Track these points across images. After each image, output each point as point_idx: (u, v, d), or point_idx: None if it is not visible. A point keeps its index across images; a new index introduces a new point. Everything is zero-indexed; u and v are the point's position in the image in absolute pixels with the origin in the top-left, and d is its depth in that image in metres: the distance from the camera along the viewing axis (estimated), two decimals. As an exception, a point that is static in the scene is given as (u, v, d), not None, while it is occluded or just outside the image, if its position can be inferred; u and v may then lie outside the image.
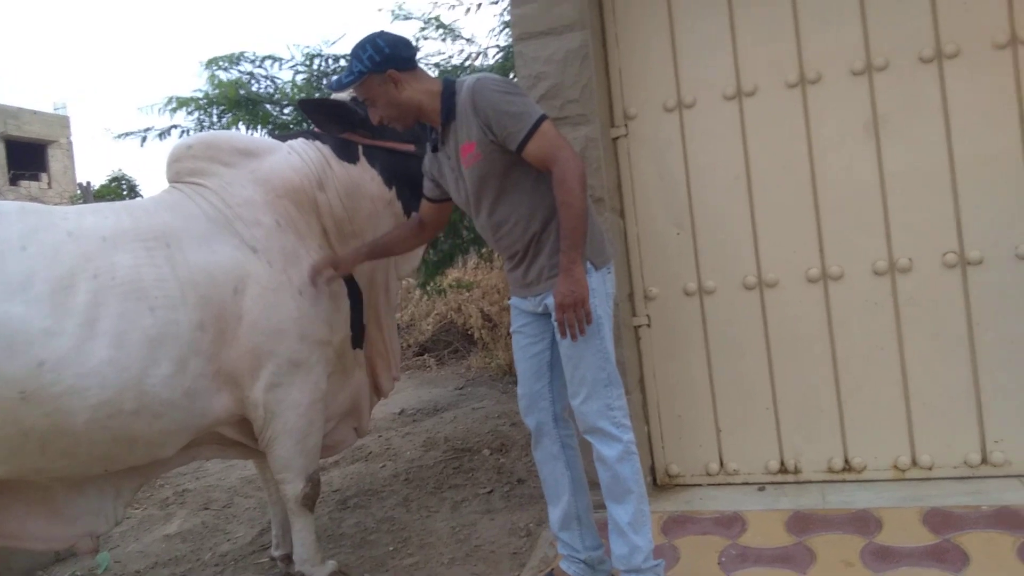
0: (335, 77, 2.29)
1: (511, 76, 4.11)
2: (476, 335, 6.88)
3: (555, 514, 2.41)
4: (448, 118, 2.25)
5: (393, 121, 2.32)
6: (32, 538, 2.38)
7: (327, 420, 2.81)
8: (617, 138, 3.06)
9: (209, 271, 2.44)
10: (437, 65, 4.56)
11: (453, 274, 6.66)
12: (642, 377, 3.03)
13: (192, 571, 3.11)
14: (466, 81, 2.23)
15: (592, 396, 2.19)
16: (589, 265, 2.18)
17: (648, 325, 3.03)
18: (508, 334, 6.87)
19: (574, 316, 2.10)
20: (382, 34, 2.26)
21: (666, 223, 3.01)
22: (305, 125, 4.06)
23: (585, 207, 2.12)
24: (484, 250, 5.07)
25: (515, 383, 5.59)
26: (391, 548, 3.05)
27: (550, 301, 2.21)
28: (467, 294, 7.10)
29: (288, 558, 2.86)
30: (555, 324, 2.21)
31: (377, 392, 3.16)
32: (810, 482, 2.88)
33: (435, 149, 2.38)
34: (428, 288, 5.58)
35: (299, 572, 2.71)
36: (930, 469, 2.74)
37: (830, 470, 2.85)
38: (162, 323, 2.31)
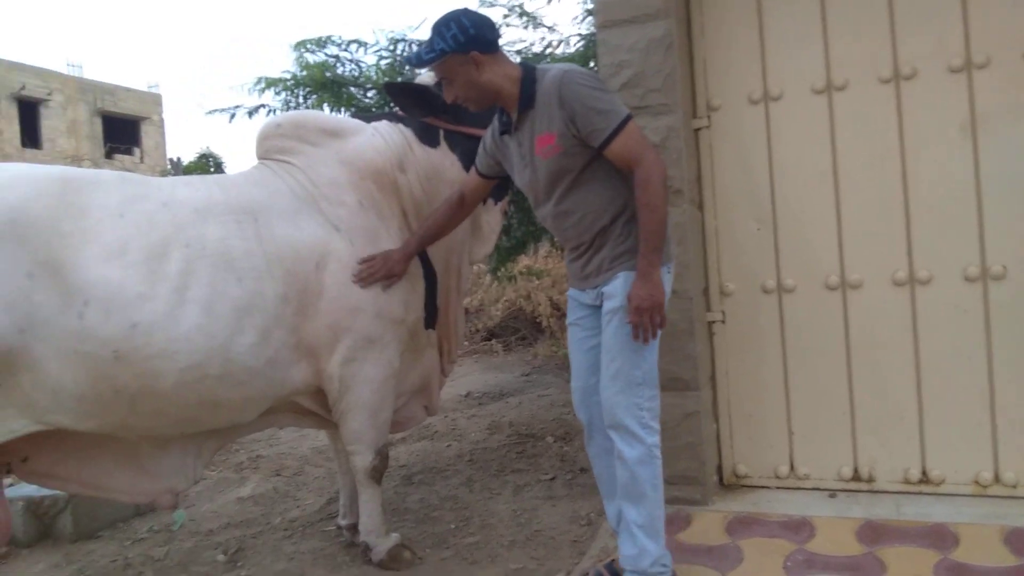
0: (415, 51, 2.31)
1: (591, 64, 4.09)
2: (544, 323, 6.90)
3: (610, 510, 2.42)
4: (526, 105, 2.23)
5: (468, 102, 2.31)
6: (118, 490, 2.52)
7: (398, 396, 2.88)
8: (699, 129, 3.01)
9: (294, 246, 2.52)
10: (519, 52, 4.57)
11: (524, 261, 6.68)
12: (714, 374, 2.99)
13: (262, 534, 3.23)
14: (549, 71, 2.22)
15: (624, 391, 2.18)
16: None
17: (723, 321, 2.98)
18: (575, 324, 6.88)
19: (648, 320, 2.10)
20: (467, 12, 2.24)
21: (746, 218, 2.95)
22: (388, 108, 4.13)
23: (667, 211, 2.14)
24: (556, 239, 5.06)
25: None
26: (453, 526, 3.11)
27: (607, 289, 2.21)
28: (537, 282, 7.12)
29: (354, 527, 2.94)
30: (605, 317, 2.22)
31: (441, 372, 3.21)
32: (884, 492, 2.79)
33: (504, 132, 2.37)
34: (499, 274, 5.61)
35: (364, 542, 2.79)
36: (1014, 487, 2.62)
37: (906, 481, 2.76)
38: (249, 294, 2.40)
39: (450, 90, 2.31)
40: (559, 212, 2.27)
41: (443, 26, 2.21)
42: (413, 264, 2.78)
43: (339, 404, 2.67)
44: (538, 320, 7.06)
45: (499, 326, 7.48)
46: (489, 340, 7.32)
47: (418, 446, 4.25)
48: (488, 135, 2.50)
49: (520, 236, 4.72)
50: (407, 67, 2.37)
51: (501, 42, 2.39)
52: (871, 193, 2.78)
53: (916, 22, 2.70)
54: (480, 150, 2.56)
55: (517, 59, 4.30)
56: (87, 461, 2.45)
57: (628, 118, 2.14)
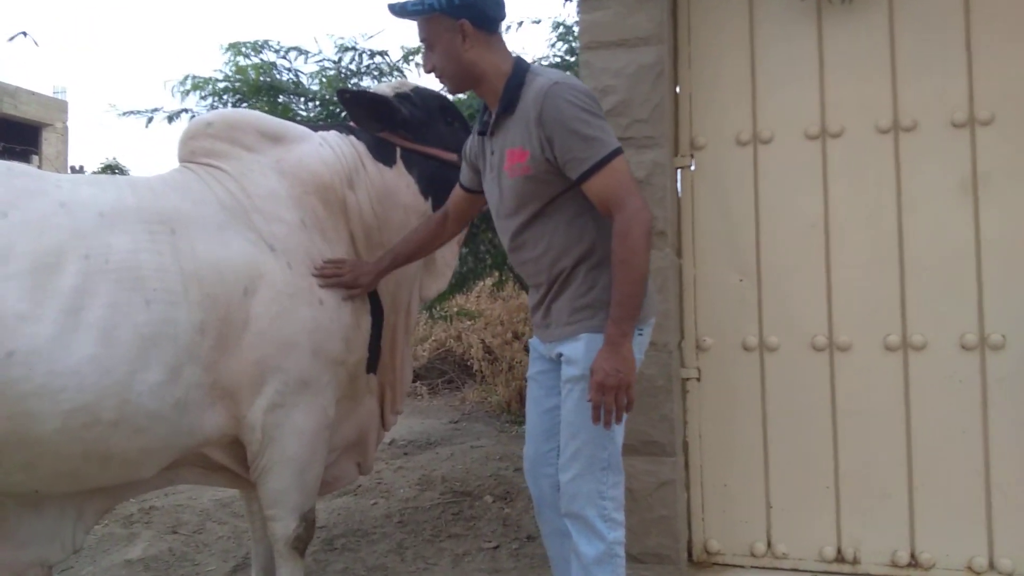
0: (399, 2, 1.94)
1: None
2: (475, 367, 6.53)
3: None
4: (506, 109, 1.92)
5: (445, 78, 2.00)
6: (-30, 563, 1.99)
7: (330, 451, 2.45)
8: (680, 168, 2.76)
9: (218, 266, 2.10)
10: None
11: (457, 300, 6.32)
12: (686, 437, 2.70)
13: (152, 608, 2.71)
14: (539, 77, 1.89)
15: (584, 475, 1.87)
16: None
17: (698, 379, 2.70)
18: (508, 368, 6.55)
19: (612, 401, 1.76)
20: None
21: (728, 267, 2.70)
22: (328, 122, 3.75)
23: (647, 270, 1.81)
24: (503, 275, 4.73)
25: (513, 422, 5.24)
26: (383, 603, 2.68)
27: (567, 352, 1.90)
28: (469, 323, 6.76)
29: (267, 607, 2.47)
30: (565, 386, 1.90)
31: (382, 424, 2.81)
32: (869, 575, 2.54)
33: (482, 133, 2.05)
34: (434, 312, 5.24)
35: (279, 626, 2.33)
36: (1011, 575, 2.42)
37: (894, 564, 2.52)
38: (158, 320, 1.96)
39: (428, 57, 1.99)
40: (518, 243, 1.98)
41: None
42: (359, 297, 2.39)
43: (260, 459, 2.23)
44: (468, 363, 6.69)
45: (425, 367, 7.06)
46: (414, 382, 6.87)
47: (339, 503, 3.78)
48: (468, 142, 2.18)
49: (465, 273, 4.37)
50: (392, 14, 1.96)
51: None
52: (864, 249, 2.58)
53: (918, 72, 2.55)
54: (463, 162, 2.23)
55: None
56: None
57: (617, 152, 1.82)
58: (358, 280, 2.29)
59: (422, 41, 2.00)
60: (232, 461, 2.29)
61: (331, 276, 2.26)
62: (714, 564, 2.66)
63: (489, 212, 2.13)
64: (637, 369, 1.87)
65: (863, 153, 2.59)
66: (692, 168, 2.76)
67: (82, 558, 3.18)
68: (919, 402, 2.51)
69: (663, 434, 2.51)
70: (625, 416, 1.83)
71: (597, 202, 1.83)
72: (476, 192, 2.21)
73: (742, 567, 2.64)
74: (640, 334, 1.91)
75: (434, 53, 1.96)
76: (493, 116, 1.97)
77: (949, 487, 2.48)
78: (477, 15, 1.89)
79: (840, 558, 2.56)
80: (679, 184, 2.76)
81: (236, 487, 2.52)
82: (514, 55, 2.00)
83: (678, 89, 2.77)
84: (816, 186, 2.63)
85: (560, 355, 1.93)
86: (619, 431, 1.89)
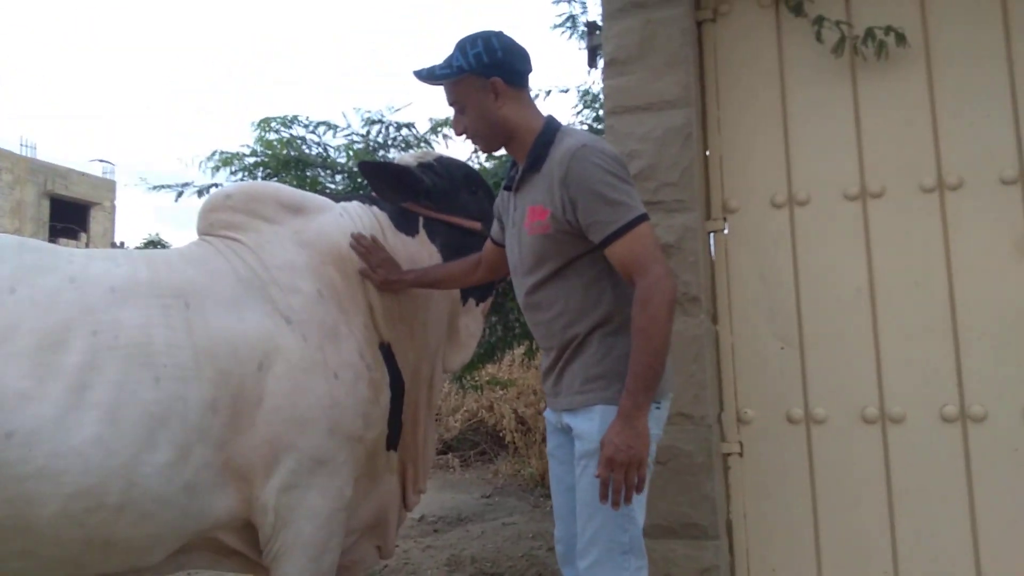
0: (426, 67, 1.92)
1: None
2: (508, 438, 6.35)
3: None
4: (532, 166, 1.88)
5: (478, 139, 1.97)
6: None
7: (347, 534, 2.32)
8: (713, 232, 2.66)
9: (232, 340, 2.02)
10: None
11: (488, 370, 6.20)
12: (729, 518, 2.51)
13: None
14: (567, 137, 1.85)
15: (603, 563, 1.74)
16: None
17: (740, 454, 2.53)
18: (542, 440, 6.37)
19: (623, 479, 1.65)
20: (502, 35, 1.90)
21: (768, 335, 2.56)
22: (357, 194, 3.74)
23: (668, 341, 1.71)
24: (532, 344, 4.62)
25: (547, 496, 5.02)
26: None
27: (578, 427, 1.79)
28: (501, 392, 6.62)
29: None
30: (578, 463, 1.79)
31: (403, 505, 2.67)
32: (937, 673, 2.30)
33: (509, 188, 2.02)
34: (464, 382, 5.12)
35: None
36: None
37: (965, 660, 2.28)
38: (168, 398, 1.89)
39: (459, 120, 1.95)
40: (532, 302, 1.92)
41: (468, 43, 1.87)
42: (378, 368, 2.30)
43: (274, 543, 2.11)
44: (501, 434, 6.51)
45: (456, 439, 6.89)
46: (445, 454, 6.71)
47: (364, 585, 3.61)
48: (499, 198, 2.15)
49: (494, 342, 4.27)
50: (420, 80, 1.94)
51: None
52: (914, 314, 2.42)
53: (963, 129, 2.44)
54: (495, 217, 2.19)
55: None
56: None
57: (642, 218, 1.76)
58: (377, 270, 2.26)
59: (451, 104, 1.96)
60: (244, 545, 2.17)
61: (363, 250, 2.25)
62: (764, 659, 2.44)
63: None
64: (653, 447, 1.76)
65: (907, 213, 2.46)
66: (726, 232, 2.66)
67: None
68: (982, 477, 2.31)
69: (704, 515, 2.33)
70: (644, 494, 1.72)
71: (619, 267, 1.77)
72: (503, 246, 2.15)
73: (796, 663, 2.41)
74: (657, 407, 1.80)
75: (465, 115, 1.93)
76: (519, 172, 1.94)
77: (1020, 568, 2.25)
78: (507, 71, 1.87)
79: (904, 654, 2.33)
80: (712, 248, 2.66)
81: (249, 573, 2.39)
82: (547, 115, 1.97)
83: (708, 153, 2.69)
84: (859, 248, 2.50)
85: (569, 427, 1.83)
86: (639, 511, 1.76)
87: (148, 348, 1.90)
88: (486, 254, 2.26)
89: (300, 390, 2.08)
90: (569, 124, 4.09)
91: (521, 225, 1.92)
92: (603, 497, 1.67)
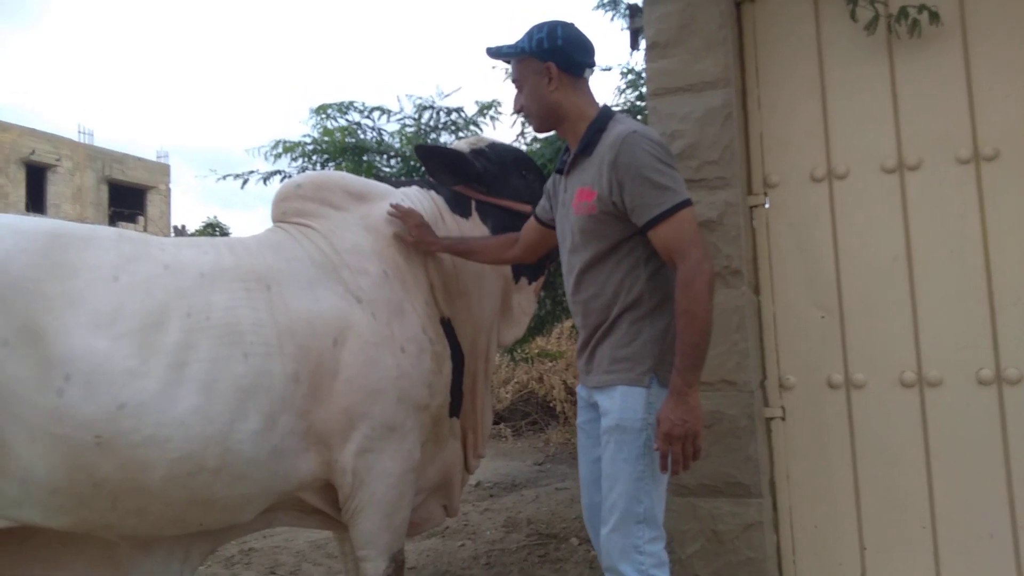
0: (499, 45, 2.11)
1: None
2: (558, 408, 6.54)
3: None
4: (584, 151, 2.00)
5: (531, 117, 2.11)
6: (90, 601, 2.14)
7: (416, 494, 2.53)
8: (754, 206, 2.76)
9: (309, 319, 2.23)
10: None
11: (538, 342, 6.38)
12: (773, 478, 2.65)
13: (252, 647, 2.82)
14: (619, 125, 1.96)
15: (620, 528, 1.86)
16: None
17: (783, 418, 2.67)
18: (591, 410, 6.53)
19: (680, 451, 1.78)
20: (569, 26, 2.04)
21: (808, 304, 2.67)
22: (411, 178, 3.92)
23: (710, 320, 1.83)
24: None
25: (600, 464, 5.19)
26: (471, 646, 2.71)
27: (603, 403, 1.91)
28: (551, 364, 6.80)
29: (361, 647, 2.55)
30: (602, 437, 1.91)
31: (465, 468, 2.87)
32: (973, 621, 2.42)
33: (559, 171, 2.15)
34: (515, 355, 5.31)
35: (371, 665, 2.39)
36: None
37: (1000, 610, 2.40)
38: (255, 372, 2.10)
39: (517, 98, 2.12)
40: (577, 282, 2.04)
41: (536, 28, 2.04)
42: (440, 343, 2.49)
43: (351, 501, 2.32)
44: (551, 404, 6.71)
45: (508, 409, 7.11)
46: (498, 424, 6.93)
47: (427, 544, 3.86)
48: (551, 180, 2.27)
49: (542, 315, 4.44)
50: (489, 55, 2.14)
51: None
52: (950, 281, 2.51)
53: (998, 101, 2.49)
54: (543, 194, 2.32)
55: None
56: (57, 565, 2.09)
57: (686, 202, 1.87)
58: (413, 231, 2.42)
59: (513, 82, 2.12)
60: (325, 504, 2.40)
61: (402, 214, 2.42)
62: (807, 609, 2.59)
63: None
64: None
65: (943, 185, 2.54)
66: (766, 206, 2.76)
67: (188, 599, 3.33)
68: (1017, 437, 2.41)
69: (747, 475, 2.48)
70: (666, 477, 1.84)
71: (661, 250, 1.87)
72: (546, 226, 2.29)
73: (837, 612, 2.55)
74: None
75: (522, 93, 2.08)
76: (571, 155, 2.06)
77: (1057, 528, 2.35)
78: (563, 59, 2.00)
79: (941, 603, 2.46)
80: (754, 222, 2.76)
81: (330, 529, 2.62)
82: (603, 104, 2.10)
83: (748, 130, 2.79)
84: (896, 219, 2.58)
85: (597, 403, 1.95)
86: (658, 486, 1.88)
87: (236, 327, 2.11)
88: (525, 233, 2.39)
89: (371, 363, 2.28)
90: (611, 106, 4.20)
91: (569, 205, 2.03)
92: (663, 468, 1.79)
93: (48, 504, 1.90)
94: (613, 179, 1.89)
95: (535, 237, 2.36)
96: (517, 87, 2.10)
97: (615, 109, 3.63)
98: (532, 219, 2.36)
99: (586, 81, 2.08)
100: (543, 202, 2.30)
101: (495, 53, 2.12)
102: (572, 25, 2.05)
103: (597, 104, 2.08)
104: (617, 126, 1.95)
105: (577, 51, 2.03)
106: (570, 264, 2.06)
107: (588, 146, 1.98)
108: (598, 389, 1.96)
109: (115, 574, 2.16)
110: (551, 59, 2.00)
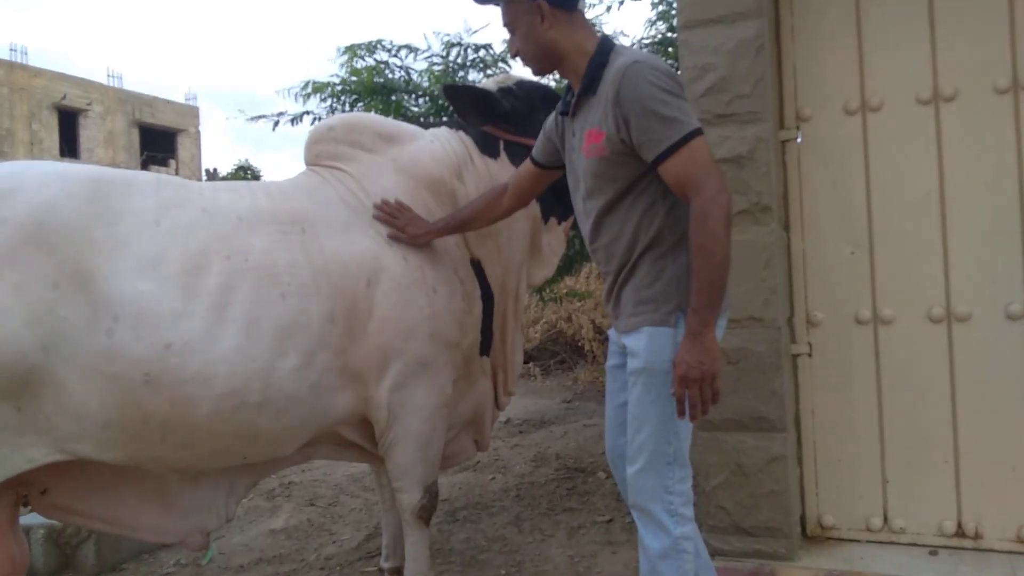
0: None
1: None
2: (586, 347, 6.61)
3: None
4: (588, 90, 1.88)
5: (528, 60, 1.98)
6: (144, 529, 2.27)
7: (449, 428, 2.62)
8: (786, 141, 2.74)
9: (343, 261, 2.28)
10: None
11: (566, 282, 6.41)
12: (798, 413, 2.69)
13: (296, 572, 2.99)
14: (620, 56, 1.84)
15: (649, 469, 1.83)
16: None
17: (809, 355, 2.69)
18: (619, 348, 6.58)
19: (698, 394, 1.71)
20: None
21: (838, 240, 2.66)
22: (440, 116, 3.91)
23: (728, 256, 1.72)
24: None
25: (629, 401, 5.25)
26: (503, 572, 2.83)
27: (630, 344, 1.86)
28: (579, 304, 6.84)
29: (398, 572, 2.68)
30: (629, 378, 1.86)
31: (496, 405, 2.95)
32: (993, 551, 2.47)
33: (565, 112, 2.02)
34: (544, 294, 5.35)
35: (409, 588, 2.52)
36: None
37: (1020, 540, 2.44)
38: (293, 312, 2.16)
39: (512, 42, 2.00)
40: (595, 228, 1.95)
41: None
42: (471, 283, 2.53)
43: (387, 435, 2.41)
44: (579, 343, 6.78)
45: (537, 348, 7.20)
46: (527, 363, 7.03)
47: (460, 478, 3.99)
48: (550, 118, 2.16)
49: (570, 255, 4.45)
50: (477, 1, 2.02)
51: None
52: (983, 216, 2.49)
53: (1039, 26, 2.41)
54: (540, 135, 2.20)
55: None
56: (111, 496, 2.21)
57: (696, 132, 1.75)
58: (406, 229, 2.34)
59: (505, 26, 2.00)
60: (362, 438, 2.49)
61: (387, 216, 2.35)
62: (828, 539, 2.66)
63: None
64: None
65: (979, 116, 2.49)
66: (798, 140, 2.73)
67: (232, 528, 3.51)
68: (1048, 373, 2.41)
69: (773, 410, 2.52)
70: (689, 417, 1.75)
71: (673, 185, 1.77)
72: (545, 168, 2.20)
73: (858, 541, 2.62)
74: (720, 326, 1.84)
75: (516, 36, 1.96)
76: (575, 96, 1.94)
77: (1083, 461, 2.37)
78: None
79: (961, 533, 2.51)
80: (786, 157, 2.74)
81: (366, 462, 2.73)
82: (599, 34, 1.98)
83: (781, 62, 2.74)
84: (930, 153, 2.55)
85: (624, 346, 1.92)
86: (685, 426, 1.84)
87: (273, 269, 2.17)
88: (519, 178, 2.30)
89: (404, 303, 2.33)
90: (641, 39, 4.13)
91: (579, 149, 1.93)
92: (680, 413, 1.73)
93: (101, 438, 2.00)
94: (618, 115, 1.79)
95: (529, 182, 2.27)
96: (510, 30, 1.98)
97: (645, 44, 3.53)
98: (527, 163, 2.26)
99: (581, 14, 1.96)
100: (541, 142, 2.20)
101: None
102: None
103: (596, 36, 1.94)
104: (618, 58, 1.84)
105: None
106: (587, 210, 1.98)
107: (591, 83, 1.87)
108: (625, 333, 1.90)
109: (164, 505, 2.27)
110: None
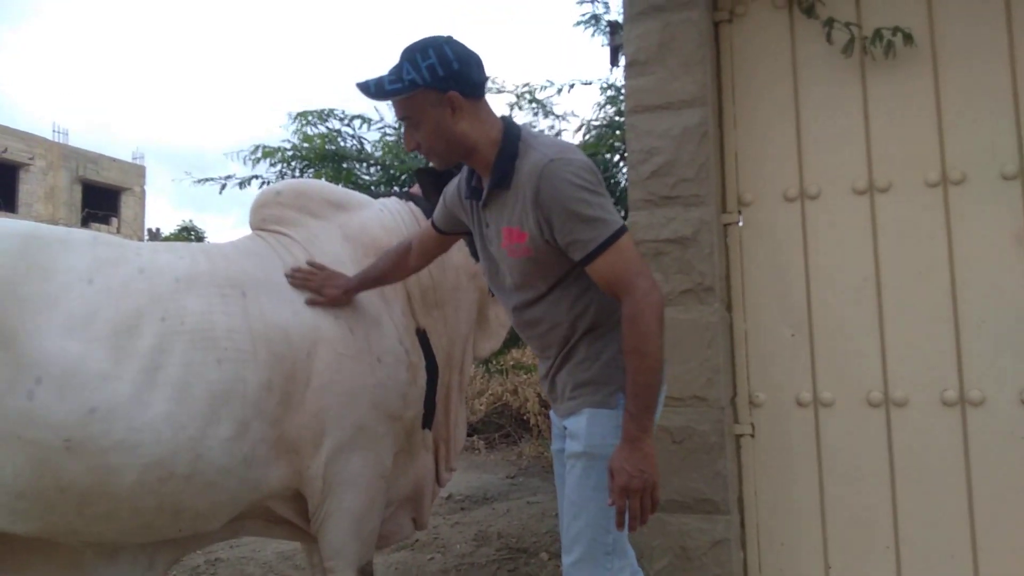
0: (372, 79, 1.77)
1: (607, 151, 3.94)
2: (532, 421, 6.55)
3: None
4: (500, 184, 1.78)
5: (432, 155, 1.84)
6: (53, 608, 2.11)
7: (387, 505, 2.52)
8: (728, 224, 2.81)
9: (285, 328, 2.22)
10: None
11: (513, 354, 6.39)
12: (741, 495, 2.68)
13: (216, 658, 2.79)
14: (533, 151, 1.76)
15: (586, 559, 1.75)
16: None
17: (752, 435, 2.70)
18: (564, 423, 6.54)
19: (638, 505, 1.63)
20: (451, 42, 1.76)
21: (779, 322, 2.71)
22: (392, 186, 3.92)
23: (662, 356, 1.68)
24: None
25: (572, 478, 5.19)
26: (439, 659, 2.70)
27: (570, 427, 1.82)
28: (525, 376, 6.81)
29: (327, 659, 2.52)
30: (568, 461, 1.81)
31: (436, 480, 2.87)
32: (934, 639, 2.46)
33: (471, 197, 1.92)
34: (490, 366, 5.31)
35: None
36: (1088, 643, 2.31)
37: (960, 628, 2.44)
38: (228, 379, 2.08)
39: (411, 136, 1.83)
40: (524, 319, 1.90)
41: (419, 52, 1.73)
42: (416, 354, 2.49)
43: (320, 509, 2.31)
44: (525, 417, 6.72)
45: (482, 421, 7.10)
46: (471, 436, 6.92)
47: (397, 557, 3.83)
48: (452, 186, 2.07)
49: (518, 328, 4.44)
50: (367, 95, 1.81)
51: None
52: (917, 303, 2.56)
53: (966, 125, 2.56)
54: (440, 202, 2.12)
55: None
56: (21, 571, 2.06)
57: (621, 231, 1.69)
58: (323, 289, 2.26)
59: (401, 119, 1.84)
60: (294, 514, 2.38)
61: (300, 281, 2.27)
62: (772, 625, 2.62)
63: None
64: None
65: (913, 207, 2.60)
66: (740, 224, 2.80)
67: (152, 608, 3.28)
68: (979, 459, 2.46)
69: (717, 491, 2.50)
70: (628, 528, 1.67)
71: (603, 284, 1.73)
72: (448, 234, 2.17)
73: (801, 628, 2.58)
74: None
75: (420, 131, 1.80)
76: (486, 188, 1.85)
77: (1015, 547, 2.40)
78: (464, 83, 1.75)
79: (904, 621, 2.49)
80: (727, 240, 2.81)
81: (298, 539, 2.60)
82: (501, 117, 1.88)
83: (724, 149, 2.84)
84: (866, 240, 2.64)
85: (565, 428, 1.87)
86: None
87: (210, 333, 2.10)
88: (423, 241, 2.23)
89: (347, 373, 2.27)
90: (590, 121, 4.24)
91: (498, 245, 1.86)
92: (619, 525, 1.65)
93: (13, 509, 1.87)
94: (539, 217, 1.72)
95: (433, 245, 2.22)
96: (409, 124, 1.82)
97: (595, 126, 3.59)
98: (430, 227, 2.20)
99: (485, 101, 1.85)
100: (441, 210, 2.12)
101: (375, 91, 1.77)
102: (454, 39, 1.79)
103: (500, 123, 1.84)
104: (530, 152, 1.75)
105: (474, 70, 1.78)
106: (511, 299, 1.92)
107: (503, 178, 1.78)
108: (564, 417, 1.87)
109: (78, 581, 2.12)
110: (452, 87, 1.74)
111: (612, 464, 1.66)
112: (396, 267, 2.31)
